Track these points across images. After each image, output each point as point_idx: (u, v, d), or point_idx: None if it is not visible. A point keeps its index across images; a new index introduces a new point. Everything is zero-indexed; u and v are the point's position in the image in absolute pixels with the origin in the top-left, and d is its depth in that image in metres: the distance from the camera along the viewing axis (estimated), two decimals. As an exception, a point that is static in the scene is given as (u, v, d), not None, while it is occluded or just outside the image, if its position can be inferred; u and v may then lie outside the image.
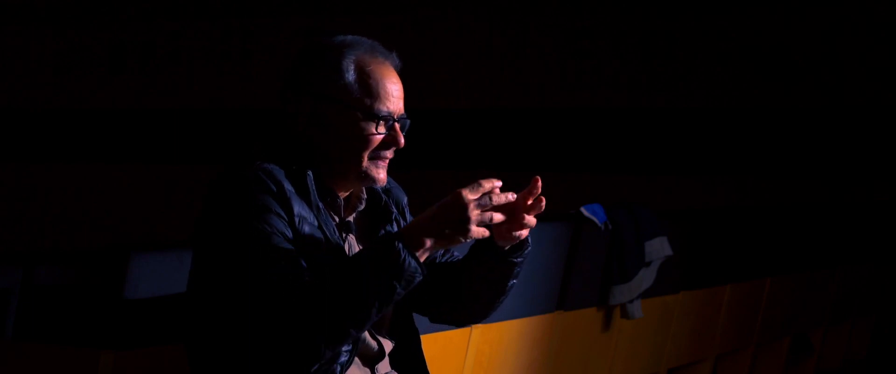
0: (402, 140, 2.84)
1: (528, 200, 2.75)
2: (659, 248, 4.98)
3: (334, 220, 2.83)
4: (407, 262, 2.60)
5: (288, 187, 2.72)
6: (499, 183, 2.64)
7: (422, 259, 2.63)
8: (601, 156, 10.33)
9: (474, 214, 2.62)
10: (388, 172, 2.88)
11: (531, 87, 10.63)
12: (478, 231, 2.63)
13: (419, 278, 2.63)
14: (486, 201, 2.63)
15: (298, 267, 2.63)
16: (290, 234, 2.67)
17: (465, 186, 2.65)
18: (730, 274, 5.79)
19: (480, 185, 2.63)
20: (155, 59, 12.18)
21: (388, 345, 2.89)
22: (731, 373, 6.11)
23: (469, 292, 2.92)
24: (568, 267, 4.65)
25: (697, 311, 5.56)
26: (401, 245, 2.60)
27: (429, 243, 2.63)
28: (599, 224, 4.76)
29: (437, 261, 2.98)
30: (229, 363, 2.70)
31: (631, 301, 4.92)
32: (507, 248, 2.84)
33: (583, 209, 4.75)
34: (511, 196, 2.68)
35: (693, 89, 10.04)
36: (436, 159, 10.55)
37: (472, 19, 10.87)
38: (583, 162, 10.36)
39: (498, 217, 2.65)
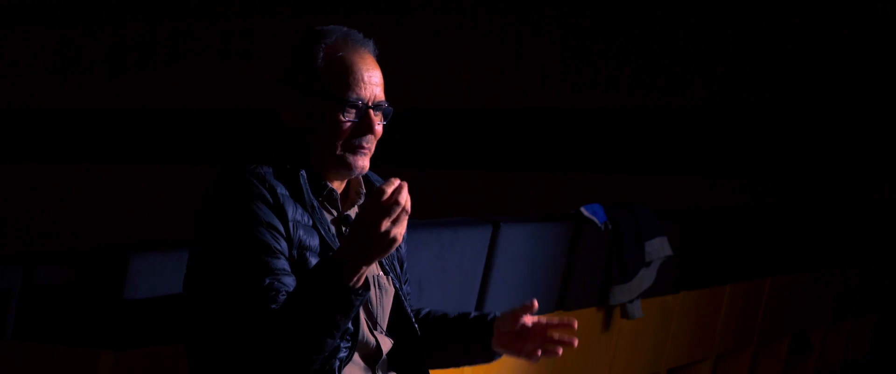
0: (378, 127, 2.81)
1: (557, 332, 2.79)
2: (659, 248, 4.97)
3: (331, 214, 2.82)
4: (344, 296, 2.57)
5: (281, 190, 2.71)
6: (397, 182, 2.54)
7: (359, 285, 2.58)
8: (601, 156, 10.32)
9: (384, 223, 2.53)
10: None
11: (531, 87, 10.63)
12: (400, 234, 2.54)
13: (360, 304, 2.60)
14: (398, 202, 2.53)
15: (268, 292, 2.62)
16: (278, 245, 2.67)
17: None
18: (730, 274, 5.78)
19: (383, 191, 2.53)
20: (155, 59, 12.17)
21: (386, 344, 2.89)
22: (731, 373, 6.10)
23: (429, 350, 2.93)
24: (568, 267, 4.64)
25: (697, 311, 5.56)
26: (337, 282, 2.56)
27: (363, 264, 2.57)
28: (599, 224, 4.75)
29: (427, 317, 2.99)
30: (228, 363, 2.70)
31: (631, 301, 4.92)
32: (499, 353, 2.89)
33: (583, 209, 4.75)
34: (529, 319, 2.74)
35: (693, 89, 10.04)
36: (436, 159, 10.54)
37: (472, 19, 10.86)
38: (583, 162, 10.35)
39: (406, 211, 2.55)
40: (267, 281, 2.63)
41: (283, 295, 2.63)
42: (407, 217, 2.56)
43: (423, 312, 3.02)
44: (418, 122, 10.48)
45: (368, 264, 2.58)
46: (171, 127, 12.09)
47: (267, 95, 10.89)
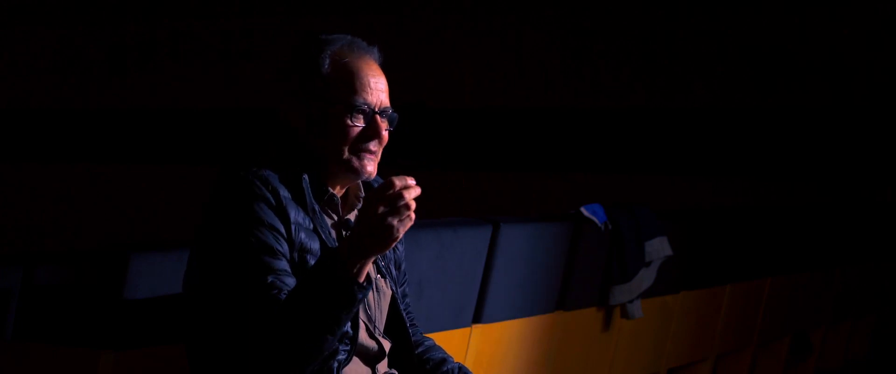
0: (384, 132, 2.83)
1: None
2: (659, 248, 4.97)
3: (332, 219, 2.83)
4: (347, 289, 2.57)
5: (284, 193, 2.73)
6: (410, 180, 2.56)
7: (362, 277, 2.59)
8: (601, 156, 10.33)
9: (385, 214, 2.54)
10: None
11: (531, 87, 10.63)
12: (400, 229, 2.55)
13: (362, 298, 2.60)
14: (403, 197, 2.54)
15: (270, 290, 2.63)
16: (280, 246, 2.69)
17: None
18: (730, 274, 5.78)
19: (392, 183, 2.55)
20: (155, 59, 12.18)
21: (388, 345, 2.90)
22: (731, 373, 6.10)
23: None
24: (568, 267, 4.64)
25: (697, 311, 5.56)
26: (340, 275, 2.57)
27: (363, 258, 2.58)
28: (599, 224, 4.75)
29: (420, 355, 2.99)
30: (229, 362, 2.71)
31: (631, 301, 4.92)
32: None
33: (583, 209, 4.75)
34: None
35: (693, 89, 10.04)
36: (436, 159, 10.54)
37: (472, 19, 10.87)
38: (583, 162, 10.36)
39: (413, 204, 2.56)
40: (270, 280, 2.64)
41: (285, 294, 2.64)
42: (411, 218, 2.56)
43: (422, 349, 3.01)
44: (418, 123, 10.49)
45: (367, 257, 2.58)
46: (171, 127, 12.09)
47: (267, 95, 10.89)
